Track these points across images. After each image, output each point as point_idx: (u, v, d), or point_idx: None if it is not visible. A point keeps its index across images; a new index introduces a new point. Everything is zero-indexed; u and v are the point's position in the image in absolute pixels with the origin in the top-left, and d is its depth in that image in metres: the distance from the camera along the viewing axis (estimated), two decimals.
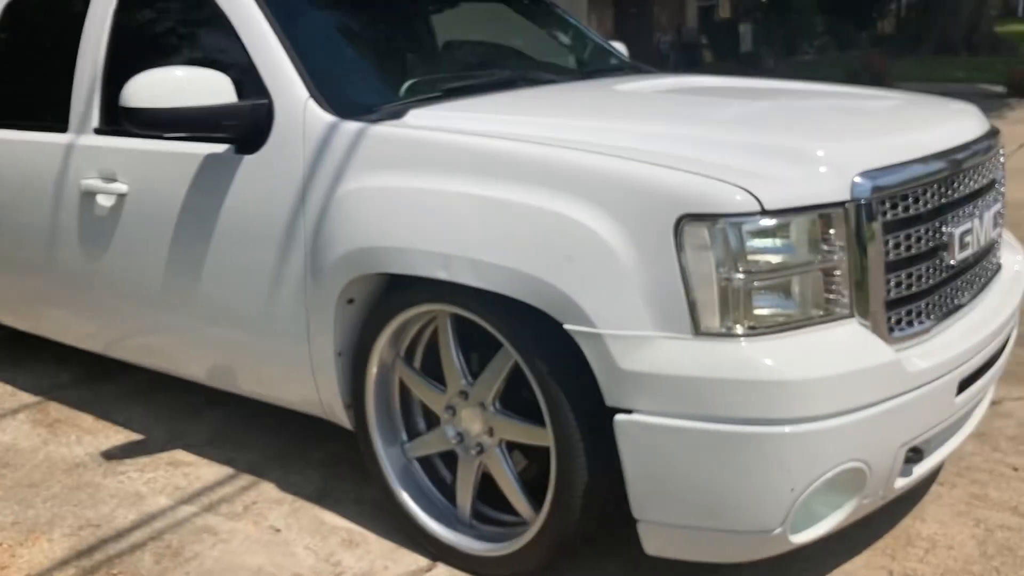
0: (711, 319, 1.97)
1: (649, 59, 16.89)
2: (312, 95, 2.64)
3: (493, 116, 2.55)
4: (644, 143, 2.19)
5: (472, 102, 2.74)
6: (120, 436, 3.43)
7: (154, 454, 3.27)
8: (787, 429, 1.94)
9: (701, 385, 1.96)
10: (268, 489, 2.98)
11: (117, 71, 3.17)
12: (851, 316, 2.04)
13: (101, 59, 3.24)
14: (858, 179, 2.05)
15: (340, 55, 3.02)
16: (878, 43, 20.74)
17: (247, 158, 2.73)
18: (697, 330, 1.98)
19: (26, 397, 3.84)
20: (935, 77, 14.01)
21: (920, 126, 2.52)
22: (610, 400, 2.06)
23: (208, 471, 3.12)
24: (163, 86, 2.62)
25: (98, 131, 3.23)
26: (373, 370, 2.55)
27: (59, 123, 3.36)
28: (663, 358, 1.98)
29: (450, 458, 2.57)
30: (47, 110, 3.48)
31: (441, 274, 2.25)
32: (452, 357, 2.41)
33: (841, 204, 2.02)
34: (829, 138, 2.27)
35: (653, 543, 2.16)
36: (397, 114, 2.57)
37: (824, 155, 2.11)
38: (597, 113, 2.70)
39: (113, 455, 3.28)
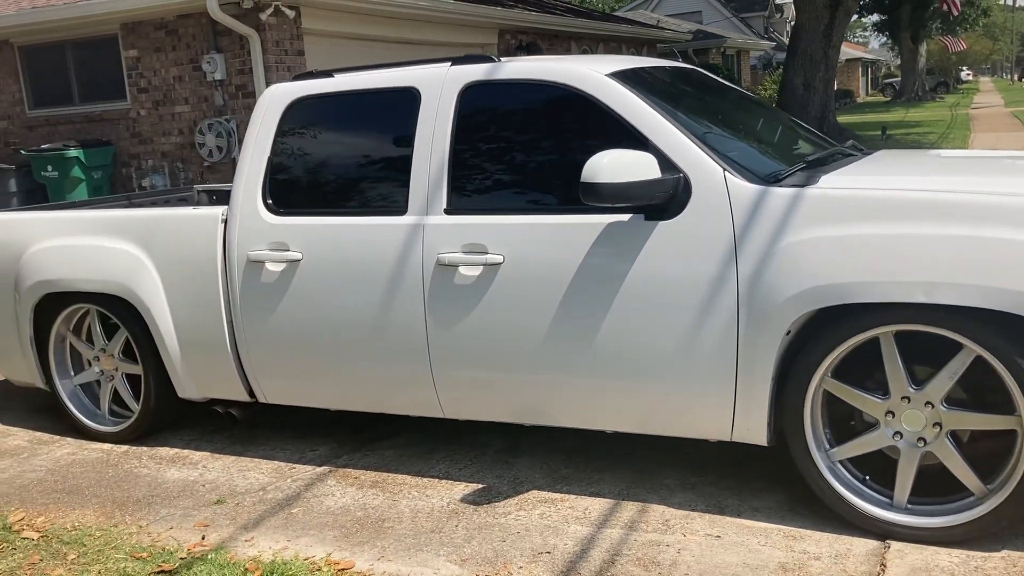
0: None
1: None
2: (725, 169, 3.23)
3: (889, 178, 3.24)
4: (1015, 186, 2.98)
5: (851, 169, 3.42)
6: (453, 487, 3.74)
7: (520, 495, 3.61)
8: None
9: None
10: (663, 509, 3.41)
11: (464, 160, 3.64)
12: None
13: (447, 150, 3.67)
14: None
15: (718, 135, 3.61)
16: None
17: (662, 224, 3.26)
18: None
19: (305, 469, 4.07)
20: None
21: None
22: None
23: (586, 502, 3.51)
24: (617, 165, 3.13)
25: (449, 211, 3.64)
26: (812, 390, 3.11)
27: (392, 207, 3.75)
28: None
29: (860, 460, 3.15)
30: (374, 196, 3.85)
31: (919, 298, 2.86)
32: (899, 368, 3.01)
33: None
34: None
35: None
36: (812, 179, 3.20)
37: None
38: (958, 170, 3.51)
39: (479, 500, 3.60)
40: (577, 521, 3.38)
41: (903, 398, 3.03)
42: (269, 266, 4.00)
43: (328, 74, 4.19)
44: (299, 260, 3.93)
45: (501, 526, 3.39)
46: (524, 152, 3.65)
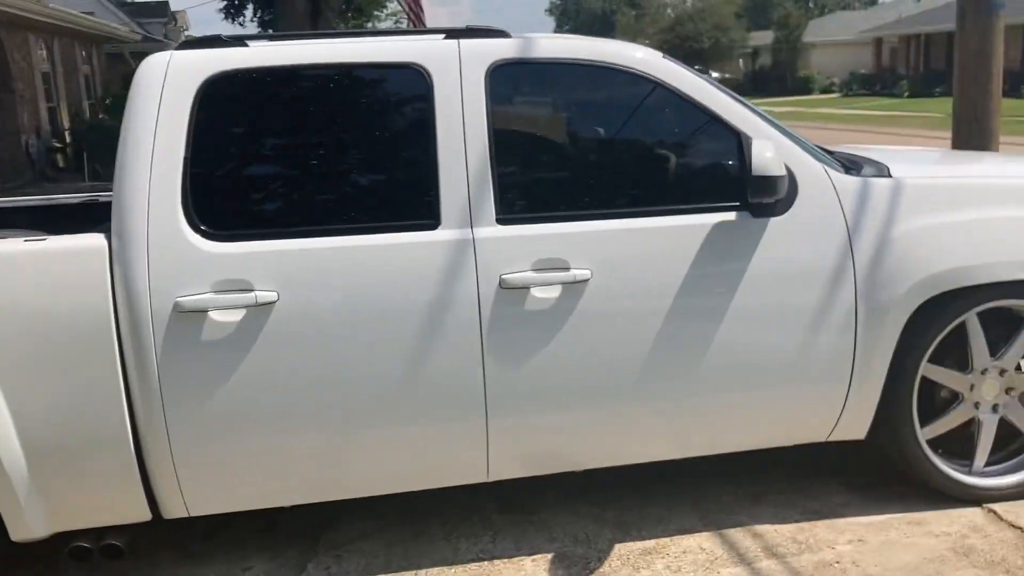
0: None
1: (21, 161, 15.12)
2: (821, 161, 3.12)
3: (938, 168, 3.43)
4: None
5: (892, 160, 3.48)
6: (518, 567, 3.03)
7: (610, 553, 3.05)
8: None
9: None
10: (770, 528, 3.17)
11: (510, 156, 2.97)
12: None
13: (486, 144, 2.92)
14: None
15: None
16: None
17: (774, 220, 3.02)
18: None
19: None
20: None
21: None
22: None
23: (688, 540, 3.11)
24: (778, 157, 2.83)
25: (502, 220, 2.92)
26: (918, 376, 3.17)
27: (414, 218, 2.88)
28: None
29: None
30: (381, 206, 2.90)
31: (1021, 275, 3.09)
32: (982, 342, 3.22)
33: None
34: None
35: None
36: (882, 172, 3.23)
37: None
38: (980, 160, 3.84)
39: (576, 574, 2.96)
40: (714, 563, 2.97)
41: (983, 371, 3.26)
42: (216, 316, 2.74)
43: (240, 42, 3.00)
44: (273, 303, 2.77)
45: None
46: (585, 146, 3.08)
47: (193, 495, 2.87)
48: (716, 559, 2.99)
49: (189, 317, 2.73)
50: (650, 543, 3.11)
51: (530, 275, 2.88)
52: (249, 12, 24.13)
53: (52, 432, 2.72)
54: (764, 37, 51.51)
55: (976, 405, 3.28)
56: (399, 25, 24.66)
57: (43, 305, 2.68)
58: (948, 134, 6.99)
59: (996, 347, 3.25)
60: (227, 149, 2.88)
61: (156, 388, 2.74)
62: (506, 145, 2.96)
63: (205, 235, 2.77)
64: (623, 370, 2.97)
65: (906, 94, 36.42)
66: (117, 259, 2.73)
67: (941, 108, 22.32)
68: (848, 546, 3.03)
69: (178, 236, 2.75)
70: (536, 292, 2.89)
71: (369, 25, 24.74)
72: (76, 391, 2.71)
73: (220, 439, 2.81)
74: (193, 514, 2.92)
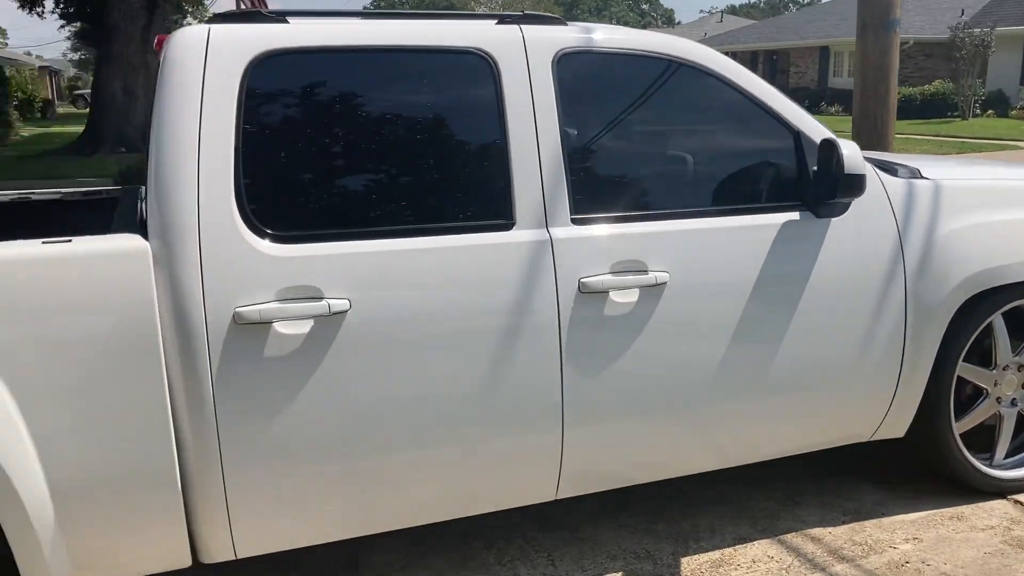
0: None
1: None
2: (869, 165, 3.13)
3: (963, 171, 3.50)
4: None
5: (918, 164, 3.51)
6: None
7: (678, 567, 2.93)
8: None
9: None
10: (823, 532, 3.14)
11: (581, 152, 2.81)
12: None
13: (557, 139, 2.73)
14: None
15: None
16: None
17: (835, 221, 3.00)
18: None
19: None
20: None
21: None
22: None
23: (753, 549, 3.03)
24: (861, 158, 2.82)
25: (577, 220, 2.74)
26: (955, 374, 3.23)
27: (487, 218, 2.66)
28: None
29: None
30: (453, 205, 2.65)
31: None
32: (1007, 340, 3.32)
33: None
34: None
35: None
36: (916, 175, 3.27)
37: None
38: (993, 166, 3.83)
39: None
40: (789, 571, 2.90)
41: (1005, 367, 3.37)
42: (281, 328, 2.42)
43: (281, 18, 2.67)
44: (345, 312, 2.47)
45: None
46: (656, 142, 2.93)
47: (245, 535, 2.51)
48: (788, 567, 2.93)
49: (250, 330, 2.39)
50: (715, 555, 3.00)
51: (609, 278, 2.71)
52: (50, 2, 21.96)
53: (84, 468, 2.30)
54: None
55: (998, 400, 3.38)
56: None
57: (71, 319, 2.25)
58: None
59: (1015, 345, 3.37)
60: (282, 140, 2.53)
61: (211, 413, 2.38)
62: (576, 140, 2.78)
63: (265, 236, 2.43)
64: (700, 375, 2.85)
65: None
66: (162, 264, 2.34)
67: None
68: (908, 545, 3.04)
69: (235, 237, 2.40)
70: (615, 296, 2.73)
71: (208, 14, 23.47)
72: (115, 421, 2.30)
73: (283, 470, 2.47)
74: (240, 556, 2.56)
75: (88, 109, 21.63)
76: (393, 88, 2.68)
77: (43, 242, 2.31)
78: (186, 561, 2.49)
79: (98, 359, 2.27)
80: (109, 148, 17.50)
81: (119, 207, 3.59)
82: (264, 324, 2.40)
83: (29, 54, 55.22)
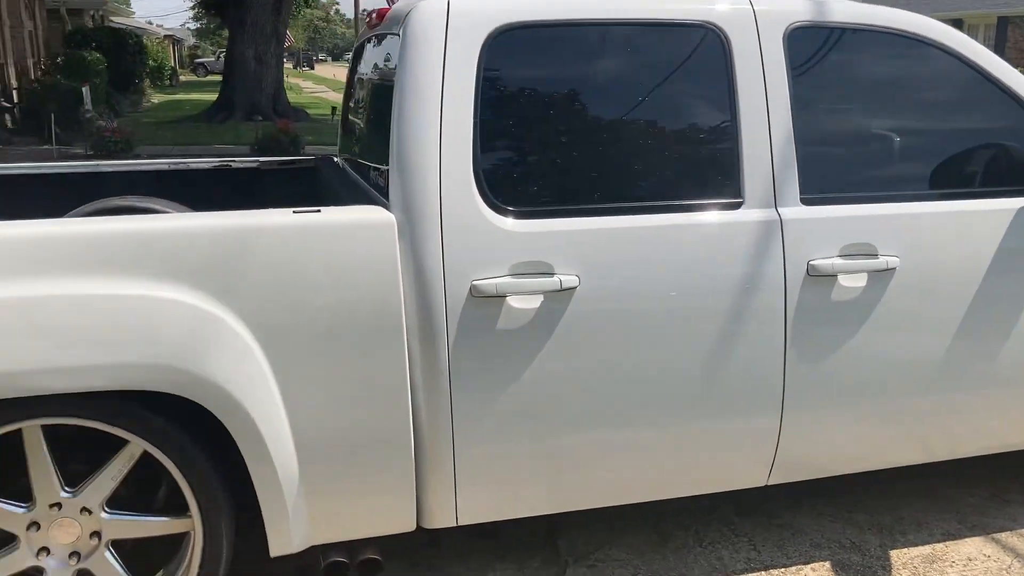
0: None
1: None
2: None
3: None
4: None
5: None
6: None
7: (886, 560, 2.85)
8: None
9: None
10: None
11: (811, 130, 2.71)
12: None
13: (788, 116, 2.66)
14: None
15: None
16: None
17: None
18: None
19: None
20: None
21: None
22: None
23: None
24: None
25: (807, 200, 2.66)
26: None
27: (714, 197, 2.60)
28: None
29: None
30: (679, 183, 2.60)
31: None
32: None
33: None
34: None
35: None
36: None
37: None
38: None
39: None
40: (1010, 571, 2.79)
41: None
42: (514, 302, 2.43)
43: None
44: (574, 288, 2.46)
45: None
46: (886, 121, 2.83)
47: (469, 502, 2.55)
48: (1009, 567, 2.82)
49: (486, 303, 2.41)
50: (925, 549, 2.91)
51: (839, 261, 2.63)
52: None
53: (326, 430, 2.36)
54: None
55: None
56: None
57: (323, 287, 2.31)
58: None
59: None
60: (517, 115, 2.53)
61: (446, 382, 2.41)
62: (806, 118, 2.70)
63: (500, 211, 2.44)
64: (923, 367, 2.76)
65: None
66: (405, 236, 2.38)
67: None
68: None
69: (474, 212, 2.41)
70: (843, 280, 2.65)
71: None
72: (357, 385, 2.36)
73: (509, 439, 2.50)
74: (462, 523, 2.60)
75: (207, 76, 22.28)
76: (624, 63, 2.65)
77: (294, 211, 2.38)
78: (410, 525, 2.55)
79: (344, 325, 2.33)
80: (242, 116, 18.02)
81: (318, 177, 3.68)
82: (499, 297, 2.41)
83: (150, 23, 57.34)
